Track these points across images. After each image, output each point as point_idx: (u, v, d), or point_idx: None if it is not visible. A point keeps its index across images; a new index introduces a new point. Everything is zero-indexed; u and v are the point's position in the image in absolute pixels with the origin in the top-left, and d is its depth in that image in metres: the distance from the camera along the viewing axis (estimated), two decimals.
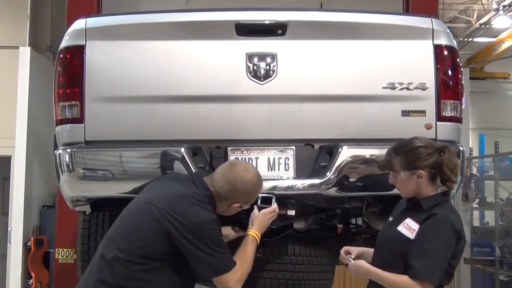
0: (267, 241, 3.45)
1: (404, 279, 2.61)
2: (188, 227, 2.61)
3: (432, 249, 2.61)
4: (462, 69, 3.49)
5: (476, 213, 10.51)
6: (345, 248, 2.91)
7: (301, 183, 3.24)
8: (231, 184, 2.82)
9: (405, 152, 2.76)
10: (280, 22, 3.33)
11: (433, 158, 2.72)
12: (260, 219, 2.95)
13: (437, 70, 3.34)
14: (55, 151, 3.28)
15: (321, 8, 6.10)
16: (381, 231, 2.97)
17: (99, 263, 2.68)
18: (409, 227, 2.70)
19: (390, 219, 2.90)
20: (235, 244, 2.91)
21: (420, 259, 2.60)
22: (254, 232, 2.90)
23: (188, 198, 2.71)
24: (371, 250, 2.98)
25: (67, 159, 3.21)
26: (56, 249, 6.05)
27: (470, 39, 10.76)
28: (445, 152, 2.73)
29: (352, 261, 2.81)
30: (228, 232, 3.11)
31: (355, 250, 2.90)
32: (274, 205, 3.03)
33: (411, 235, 2.67)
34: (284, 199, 3.24)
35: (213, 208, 2.81)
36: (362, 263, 2.78)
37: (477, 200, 10.07)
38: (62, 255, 5.98)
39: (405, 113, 3.32)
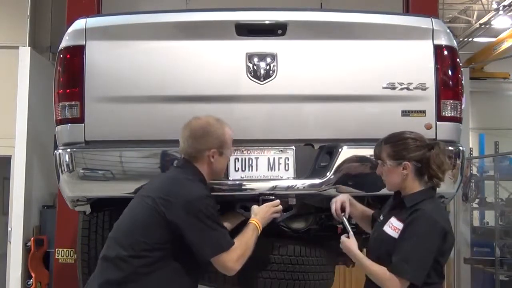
0: (268, 240, 3.46)
1: (383, 271, 2.65)
2: (183, 206, 2.61)
3: (410, 245, 2.62)
4: (462, 69, 3.49)
5: (476, 213, 10.50)
6: (339, 200, 2.98)
7: (301, 183, 3.24)
8: (191, 137, 2.82)
9: (394, 142, 2.80)
10: (280, 22, 3.33)
11: (421, 152, 2.74)
12: (264, 211, 2.96)
13: (437, 70, 3.34)
14: (55, 151, 3.28)
15: (321, 8, 6.10)
16: (372, 231, 2.99)
17: (102, 264, 2.69)
18: (393, 227, 2.73)
19: (381, 218, 2.92)
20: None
21: (398, 254, 2.63)
22: (255, 221, 2.89)
23: (179, 180, 2.73)
24: (370, 211, 3.06)
25: (67, 159, 3.21)
26: (56, 249, 6.05)
27: (470, 39, 10.75)
28: (434, 148, 2.74)
29: (347, 232, 2.85)
30: (226, 220, 3.11)
31: (348, 206, 2.98)
32: (277, 201, 3.02)
33: (396, 235, 2.70)
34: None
35: (205, 183, 2.81)
36: (352, 246, 2.81)
37: (477, 200, 10.07)
38: (62, 255, 5.98)
39: (405, 113, 3.32)
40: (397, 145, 2.78)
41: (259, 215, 2.93)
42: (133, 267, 2.61)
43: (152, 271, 2.62)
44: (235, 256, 2.69)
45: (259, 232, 2.88)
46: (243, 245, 2.76)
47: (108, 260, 2.67)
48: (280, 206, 3.01)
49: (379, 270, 2.67)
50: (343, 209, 3.04)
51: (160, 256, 2.63)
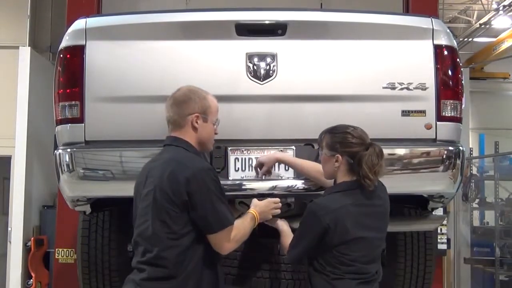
0: (267, 240, 3.46)
1: (287, 242, 2.93)
2: (186, 183, 2.57)
3: (296, 231, 2.87)
4: (462, 69, 3.49)
5: (476, 213, 10.50)
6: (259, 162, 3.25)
7: (301, 183, 3.24)
8: (174, 104, 2.80)
9: (334, 133, 2.85)
10: (280, 22, 3.33)
11: (354, 149, 2.77)
12: (263, 205, 2.94)
13: (437, 70, 3.34)
14: (55, 151, 3.28)
15: (321, 8, 6.10)
16: None
17: (138, 267, 2.66)
18: None
19: None
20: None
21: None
22: (254, 211, 2.87)
23: (175, 161, 2.68)
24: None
25: (67, 159, 3.21)
26: (56, 249, 6.05)
27: (470, 39, 10.75)
28: (369, 149, 2.76)
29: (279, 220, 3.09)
30: None
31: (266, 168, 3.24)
32: (277, 198, 3.02)
33: None
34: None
35: (200, 155, 2.80)
36: (280, 224, 3.06)
37: (477, 200, 10.07)
38: (62, 255, 5.98)
39: (405, 113, 3.32)
40: (335, 136, 2.83)
41: (259, 207, 2.91)
42: (168, 261, 2.58)
43: (188, 258, 2.60)
44: (232, 235, 2.67)
45: (256, 223, 2.86)
46: (241, 228, 2.75)
47: (143, 263, 2.64)
48: (280, 204, 3.00)
49: (285, 241, 2.96)
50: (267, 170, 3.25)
51: (190, 241, 2.61)
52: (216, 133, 2.88)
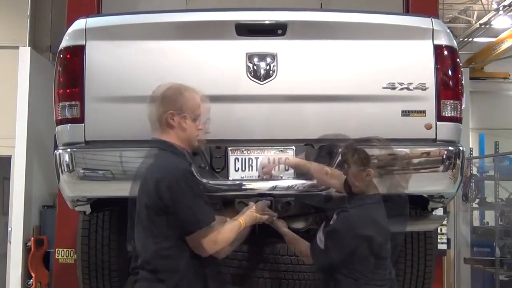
0: (267, 240, 3.46)
1: (304, 245, 2.94)
2: (162, 185, 2.56)
3: (328, 238, 2.81)
4: (462, 69, 3.49)
5: (476, 213, 10.51)
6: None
7: (301, 183, 3.24)
8: (151, 102, 2.79)
9: (360, 148, 2.82)
10: (280, 22, 3.33)
11: (384, 160, 2.79)
12: (248, 214, 2.92)
13: (437, 70, 3.34)
14: (55, 151, 3.29)
15: (321, 8, 6.10)
16: None
17: (134, 272, 2.68)
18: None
19: None
20: None
21: (314, 239, 2.89)
22: (240, 219, 2.85)
23: (155, 166, 2.67)
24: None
25: (67, 159, 3.21)
26: (56, 249, 6.05)
27: (470, 39, 10.75)
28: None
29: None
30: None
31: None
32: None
33: None
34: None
35: (179, 154, 2.75)
36: (280, 225, 3.07)
37: (477, 200, 10.08)
38: (62, 255, 5.98)
39: (405, 113, 3.32)
40: (362, 152, 2.81)
41: (245, 214, 2.90)
42: (156, 265, 2.60)
43: (176, 261, 2.60)
44: (213, 237, 2.63)
45: (242, 227, 2.82)
46: (226, 232, 2.71)
47: (136, 268, 2.67)
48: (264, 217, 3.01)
49: (302, 245, 2.97)
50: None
51: (174, 244, 2.60)
52: (199, 129, 2.81)
